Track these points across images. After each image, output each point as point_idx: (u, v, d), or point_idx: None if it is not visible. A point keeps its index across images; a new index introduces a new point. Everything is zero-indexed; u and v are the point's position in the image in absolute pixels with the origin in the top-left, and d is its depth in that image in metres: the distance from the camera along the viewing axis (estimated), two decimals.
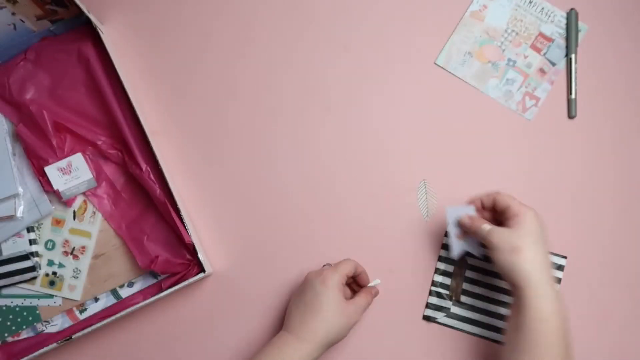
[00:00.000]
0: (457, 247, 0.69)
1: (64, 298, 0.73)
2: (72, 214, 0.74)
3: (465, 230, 0.68)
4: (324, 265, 0.69)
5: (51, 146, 0.72)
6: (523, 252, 0.61)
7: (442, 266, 0.74)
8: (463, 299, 0.73)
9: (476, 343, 0.73)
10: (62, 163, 0.72)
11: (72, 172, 0.72)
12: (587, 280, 0.73)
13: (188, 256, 0.71)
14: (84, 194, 0.74)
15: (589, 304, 0.73)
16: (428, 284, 0.74)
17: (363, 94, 0.76)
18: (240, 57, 0.77)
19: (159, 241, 0.72)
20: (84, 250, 0.73)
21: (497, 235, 0.64)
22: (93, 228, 0.74)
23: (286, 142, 0.76)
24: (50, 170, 0.71)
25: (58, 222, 0.74)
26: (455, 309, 0.73)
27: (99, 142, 0.73)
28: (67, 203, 0.73)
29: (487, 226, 0.65)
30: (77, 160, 0.72)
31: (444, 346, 0.73)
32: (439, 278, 0.73)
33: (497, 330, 0.73)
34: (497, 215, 0.67)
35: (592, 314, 0.73)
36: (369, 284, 0.71)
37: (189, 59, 0.77)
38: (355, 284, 0.72)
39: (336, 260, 0.72)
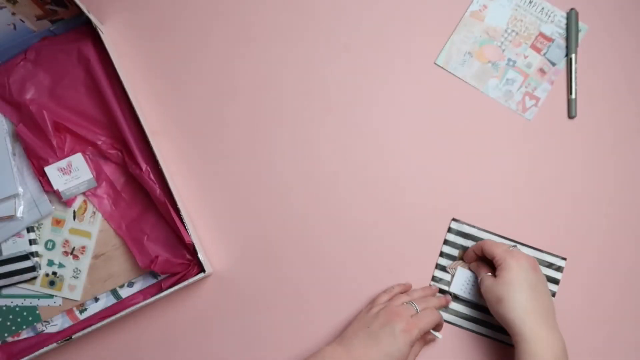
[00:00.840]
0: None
1: (64, 298, 0.73)
2: (72, 214, 0.74)
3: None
4: (403, 302, 0.68)
5: (51, 146, 0.72)
6: (504, 301, 0.63)
7: (443, 262, 0.74)
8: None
9: (474, 340, 0.73)
10: (62, 163, 0.72)
11: (72, 172, 0.72)
12: (587, 281, 0.73)
13: (188, 256, 0.71)
14: (84, 194, 0.74)
15: (590, 305, 0.73)
16: (428, 280, 0.74)
17: (363, 94, 0.76)
18: (241, 57, 0.77)
19: (159, 241, 0.72)
20: (84, 250, 0.73)
21: (485, 285, 0.67)
22: (93, 228, 0.74)
23: (286, 142, 0.76)
24: (50, 170, 0.71)
25: (58, 222, 0.74)
26: (454, 305, 0.73)
27: (99, 142, 0.73)
28: (67, 203, 0.73)
29: (483, 275, 0.68)
30: (77, 160, 0.72)
31: (442, 342, 0.73)
32: (439, 274, 0.74)
33: (495, 327, 0.73)
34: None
35: (593, 315, 0.73)
36: (432, 332, 0.70)
37: (189, 59, 0.77)
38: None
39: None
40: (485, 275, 0.68)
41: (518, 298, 0.63)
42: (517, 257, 0.65)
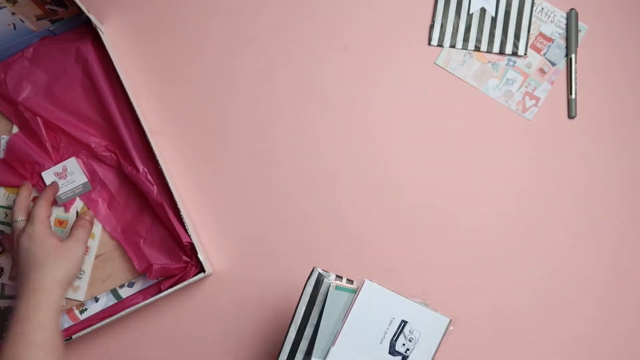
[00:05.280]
0: None
1: (67, 298, 0.73)
2: (75, 214, 0.74)
3: None
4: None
5: (46, 151, 0.72)
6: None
7: None
8: None
9: None
10: (58, 167, 0.72)
11: (68, 176, 0.72)
12: (589, 282, 0.73)
13: (185, 258, 0.71)
14: (79, 197, 0.74)
15: (592, 307, 0.73)
16: (425, 281, 0.74)
17: (363, 93, 0.76)
18: (240, 57, 0.77)
19: (155, 244, 0.72)
20: (87, 251, 0.73)
21: None
22: (96, 228, 0.73)
23: (286, 142, 0.76)
24: (47, 175, 0.72)
25: (61, 223, 0.74)
26: None
27: (93, 145, 0.73)
28: (66, 207, 0.73)
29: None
30: (72, 164, 0.72)
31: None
32: None
33: None
34: None
35: (596, 316, 0.73)
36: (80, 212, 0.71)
37: (189, 59, 0.77)
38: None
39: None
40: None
41: None
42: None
